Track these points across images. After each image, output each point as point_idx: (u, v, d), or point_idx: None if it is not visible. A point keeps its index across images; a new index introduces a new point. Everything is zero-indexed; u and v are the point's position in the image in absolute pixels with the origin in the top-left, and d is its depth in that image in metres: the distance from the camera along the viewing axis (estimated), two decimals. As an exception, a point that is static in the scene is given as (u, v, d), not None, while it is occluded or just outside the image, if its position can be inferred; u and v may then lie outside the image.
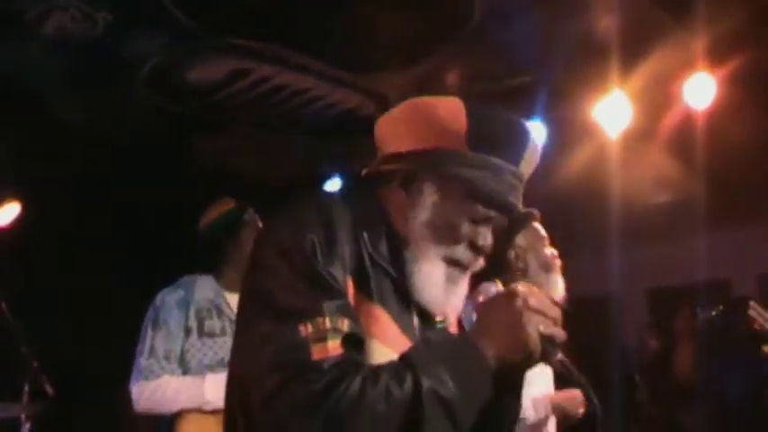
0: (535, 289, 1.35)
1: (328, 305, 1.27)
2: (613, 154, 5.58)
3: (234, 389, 1.39)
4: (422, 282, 1.41)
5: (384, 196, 1.47)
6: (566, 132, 5.68)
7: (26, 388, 3.82)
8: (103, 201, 5.36)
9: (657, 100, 5.25)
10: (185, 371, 2.97)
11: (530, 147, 1.44)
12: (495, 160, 1.41)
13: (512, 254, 2.81)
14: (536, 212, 2.86)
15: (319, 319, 1.25)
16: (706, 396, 5.42)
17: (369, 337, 1.32)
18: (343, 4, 4.29)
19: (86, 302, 5.22)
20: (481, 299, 1.45)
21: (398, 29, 4.49)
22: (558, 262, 2.87)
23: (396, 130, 1.48)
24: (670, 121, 5.42)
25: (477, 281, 1.56)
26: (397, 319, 1.40)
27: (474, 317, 1.40)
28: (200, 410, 2.88)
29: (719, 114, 5.11)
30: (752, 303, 3.40)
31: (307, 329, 1.24)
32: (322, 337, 1.24)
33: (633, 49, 4.64)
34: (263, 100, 5.30)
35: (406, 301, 1.43)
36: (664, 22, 4.49)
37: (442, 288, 1.43)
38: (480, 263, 1.48)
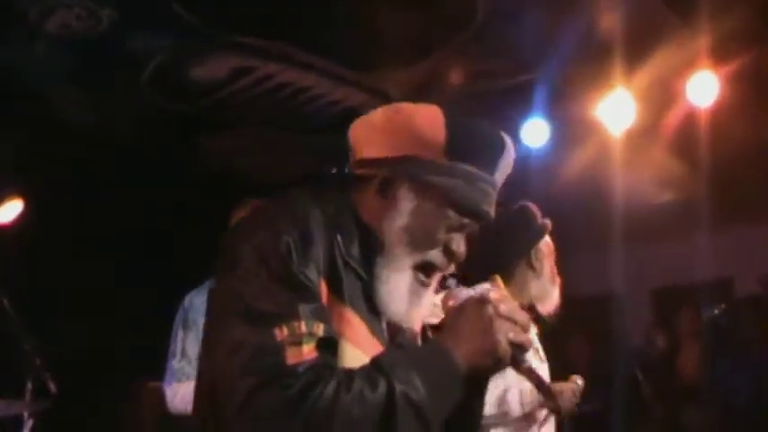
0: (506, 295, 1.40)
1: (303, 309, 1.28)
2: (617, 152, 5.58)
3: (204, 390, 1.38)
4: (388, 293, 1.44)
5: (359, 200, 1.49)
6: (569, 130, 5.68)
7: (29, 386, 3.81)
8: (107, 200, 5.35)
9: (661, 98, 5.25)
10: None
11: (505, 156, 1.48)
12: (471, 169, 1.44)
13: (533, 254, 2.85)
14: (548, 224, 2.89)
15: (295, 323, 1.26)
16: (711, 396, 5.42)
17: (340, 339, 1.35)
18: (347, 2, 4.29)
19: (90, 300, 5.22)
20: (452, 303, 1.46)
21: (402, 27, 4.49)
22: (558, 280, 2.93)
23: (372, 136, 1.50)
24: (673, 119, 5.41)
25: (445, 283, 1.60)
26: (367, 322, 1.43)
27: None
28: None
29: (723, 113, 5.10)
30: None
31: (282, 333, 1.25)
32: (297, 341, 1.25)
33: (636, 47, 4.64)
34: (266, 97, 5.30)
35: (375, 304, 1.45)
36: (667, 20, 4.48)
37: (406, 302, 1.45)
38: (452, 268, 1.51)
